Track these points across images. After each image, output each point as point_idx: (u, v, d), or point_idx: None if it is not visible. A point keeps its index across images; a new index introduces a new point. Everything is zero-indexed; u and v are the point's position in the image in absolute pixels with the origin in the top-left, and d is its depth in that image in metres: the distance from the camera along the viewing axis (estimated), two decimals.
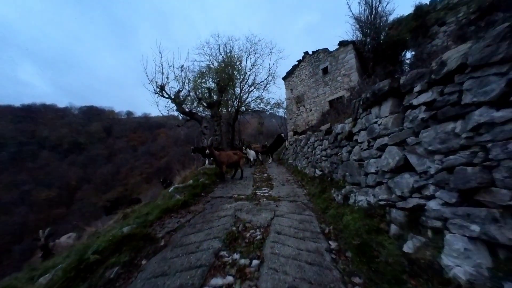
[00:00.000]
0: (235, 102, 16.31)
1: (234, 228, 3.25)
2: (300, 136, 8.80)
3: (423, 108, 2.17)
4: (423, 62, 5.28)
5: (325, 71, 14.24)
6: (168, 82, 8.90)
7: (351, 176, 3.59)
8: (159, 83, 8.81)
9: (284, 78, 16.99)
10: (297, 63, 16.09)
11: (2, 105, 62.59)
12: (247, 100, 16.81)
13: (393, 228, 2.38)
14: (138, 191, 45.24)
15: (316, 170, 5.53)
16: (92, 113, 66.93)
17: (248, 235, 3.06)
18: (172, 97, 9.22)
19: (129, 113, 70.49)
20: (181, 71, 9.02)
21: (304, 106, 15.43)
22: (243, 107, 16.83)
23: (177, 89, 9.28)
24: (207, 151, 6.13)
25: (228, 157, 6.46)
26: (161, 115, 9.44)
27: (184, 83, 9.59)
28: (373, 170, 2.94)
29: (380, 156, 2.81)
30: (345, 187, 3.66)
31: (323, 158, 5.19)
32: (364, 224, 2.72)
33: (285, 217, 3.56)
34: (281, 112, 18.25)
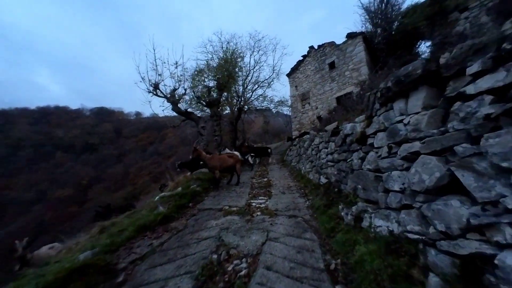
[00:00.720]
0: (239, 101, 15.61)
1: (214, 257, 2.53)
2: (304, 137, 7.97)
3: (488, 99, 1.35)
4: (452, 46, 4.35)
5: (332, 65, 13.25)
6: (163, 80, 8.28)
7: (365, 190, 2.77)
8: (153, 81, 8.22)
9: (288, 75, 16.09)
10: (302, 58, 15.15)
11: (19, 108, 65.07)
12: (250, 98, 16.09)
13: (433, 281, 1.57)
14: (147, 191, 45.66)
15: (321, 177, 4.71)
16: (102, 114, 68.32)
17: (230, 268, 2.33)
18: (168, 96, 8.61)
19: (137, 114, 71.47)
20: (176, 68, 8.38)
21: (309, 103, 14.51)
22: (246, 106, 16.11)
23: (172, 87, 8.66)
24: (191, 156, 5.44)
25: (221, 161, 5.75)
26: (154, 114, 8.76)
27: (180, 81, 8.96)
28: (397, 187, 2.12)
29: (407, 169, 1.99)
30: (357, 204, 2.84)
31: (329, 163, 4.37)
32: (386, 264, 1.91)
33: (280, 241, 2.80)
34: (286, 111, 17.39)
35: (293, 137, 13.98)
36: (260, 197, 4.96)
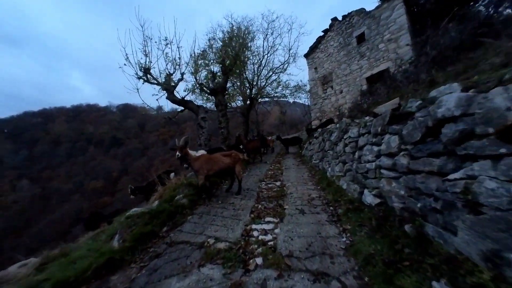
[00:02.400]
0: (250, 89, 13.75)
1: None
2: (329, 126, 5.95)
3: None
4: None
5: (361, 38, 10.65)
6: (151, 62, 6.73)
7: None
8: (143, 64, 6.74)
9: (306, 55, 13.71)
10: (322, 34, 12.64)
11: (57, 107, 70.36)
12: (264, 86, 14.13)
13: None
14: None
15: (366, 191, 2.81)
16: (127, 110, 71.13)
17: None
18: (162, 81, 7.11)
19: (159, 108, 72.93)
20: (166, 46, 6.76)
21: (332, 87, 12.13)
22: (259, 95, 14.23)
23: (167, 72, 7.12)
24: (178, 153, 3.85)
25: (210, 162, 4.09)
26: (143, 104, 7.34)
27: (178, 65, 7.36)
28: None
29: None
30: None
31: (383, 172, 2.45)
32: None
33: None
34: (304, 98, 15.15)
35: (313, 127, 11.86)
36: (266, 218, 3.24)
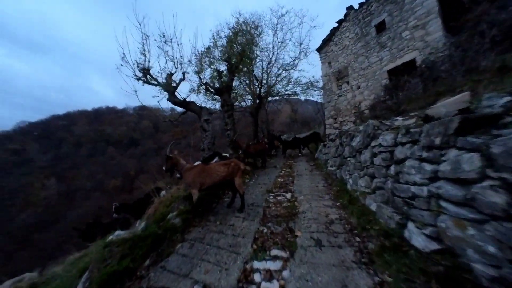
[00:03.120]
0: (261, 88, 12.99)
1: None
2: (351, 129, 5.06)
3: None
4: None
5: (381, 27, 9.45)
6: (149, 61, 6.19)
7: None
8: (143, 65, 6.23)
9: (319, 49, 12.64)
10: (336, 25, 11.53)
11: (80, 109, 74.15)
12: (273, 84, 13.31)
13: None
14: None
15: (414, 228, 1.95)
16: (142, 112, 73.28)
17: None
18: (162, 82, 6.58)
19: (172, 109, 74.45)
20: (164, 42, 6.18)
21: (348, 83, 11.02)
22: (268, 94, 13.44)
23: (167, 72, 6.57)
24: (165, 167, 3.25)
25: (203, 174, 3.43)
26: (143, 107, 6.87)
27: (181, 63, 6.79)
28: None
29: None
30: None
31: (446, 204, 1.59)
32: None
33: None
34: (316, 95, 14.11)
35: (326, 127, 10.89)
36: (273, 250, 2.51)
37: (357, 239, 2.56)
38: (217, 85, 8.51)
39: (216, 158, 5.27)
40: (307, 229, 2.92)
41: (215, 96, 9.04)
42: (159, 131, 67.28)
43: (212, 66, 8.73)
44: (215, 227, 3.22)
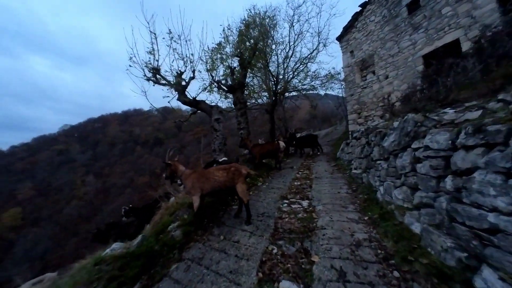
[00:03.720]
0: (274, 83, 12.32)
1: None
2: (380, 124, 4.23)
3: None
4: None
5: (414, 5, 8.12)
6: (157, 61, 5.97)
7: None
8: (152, 65, 6.06)
9: (339, 38, 11.51)
10: (359, 9, 10.31)
11: (112, 113, 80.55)
12: (291, 79, 12.52)
13: None
14: None
15: (492, 275, 1.29)
16: (166, 113, 77.00)
17: None
18: (172, 82, 6.36)
19: (193, 110, 76.93)
20: (171, 39, 5.89)
21: (374, 72, 9.82)
22: (285, 90, 12.69)
23: (177, 71, 6.32)
24: (165, 174, 2.91)
25: (203, 179, 3.03)
26: (153, 108, 6.72)
27: (192, 62, 6.50)
28: None
29: None
30: None
31: None
32: None
33: None
34: (337, 88, 12.98)
35: (349, 122, 9.88)
36: (282, 282, 1.98)
37: (396, 274, 1.90)
38: (229, 82, 8.10)
39: (215, 165, 4.86)
40: (326, 253, 2.32)
41: (228, 94, 8.66)
42: (182, 131, 70.09)
43: (224, 63, 8.34)
44: (218, 243, 2.79)
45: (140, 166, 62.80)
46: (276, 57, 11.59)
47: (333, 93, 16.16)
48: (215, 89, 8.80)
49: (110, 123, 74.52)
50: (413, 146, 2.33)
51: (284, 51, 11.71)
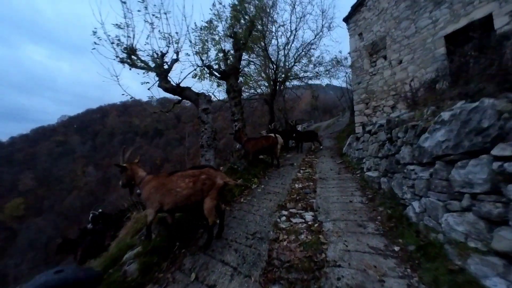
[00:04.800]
0: (277, 72, 11.17)
1: None
2: (403, 116, 3.26)
3: None
4: None
5: None
6: (130, 37, 4.89)
7: None
8: (126, 43, 4.98)
9: (346, 19, 10.21)
10: None
11: (110, 103, 78.87)
12: (292, 67, 11.35)
13: None
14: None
15: None
16: (166, 103, 75.47)
17: None
18: (153, 65, 5.30)
19: (178, 99, 75.32)
20: (145, 8, 4.78)
21: (385, 57, 8.66)
22: (285, 78, 11.54)
23: (156, 52, 5.25)
24: (121, 181, 2.05)
25: (164, 191, 2.20)
26: (129, 98, 5.68)
27: (177, 42, 5.41)
28: None
29: None
30: None
31: None
32: None
33: None
34: (341, 78, 11.82)
35: (355, 114, 8.86)
36: None
37: None
38: (222, 67, 7.02)
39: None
40: None
41: (221, 82, 7.59)
42: (181, 122, 68.89)
43: (217, 46, 7.20)
44: (185, 286, 1.91)
45: (140, 157, 62.18)
46: (276, 41, 10.37)
47: (336, 83, 14.98)
48: (207, 75, 7.72)
49: (109, 114, 73.12)
50: (495, 152, 1.38)
51: (284, 35, 10.48)
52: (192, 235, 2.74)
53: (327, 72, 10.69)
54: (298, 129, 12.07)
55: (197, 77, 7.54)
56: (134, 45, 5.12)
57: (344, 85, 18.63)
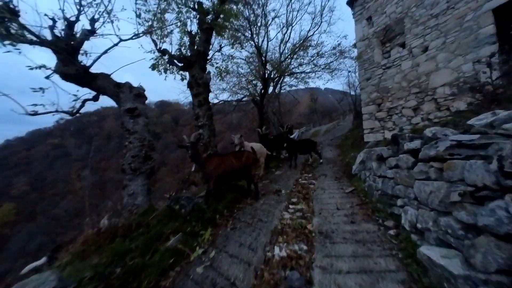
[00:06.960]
0: (266, 65, 9.09)
1: None
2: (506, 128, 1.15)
3: None
4: None
5: None
6: None
7: None
8: None
9: (351, 2, 8.18)
10: None
11: (107, 107, 76.94)
12: (288, 65, 9.30)
13: None
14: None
15: None
16: (163, 107, 73.72)
17: None
18: (50, 39, 3.22)
19: (191, 103, 73.79)
20: None
21: (403, 45, 6.58)
22: (279, 74, 9.46)
23: (56, 18, 3.18)
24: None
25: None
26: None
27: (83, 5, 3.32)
28: None
29: None
30: None
31: None
32: None
33: None
34: (345, 70, 9.73)
35: (364, 118, 6.75)
36: None
37: None
38: (182, 55, 4.93)
39: None
40: None
41: (183, 73, 5.48)
42: (179, 125, 66.95)
43: (179, 23, 5.10)
44: None
45: None
46: (265, 28, 8.31)
47: (335, 86, 12.90)
48: (169, 66, 5.60)
49: (106, 117, 71.26)
50: None
51: (277, 24, 8.40)
52: None
53: (326, 67, 8.61)
54: (294, 135, 9.88)
55: (155, 68, 5.42)
56: (12, 4, 3.01)
57: (345, 87, 16.65)
